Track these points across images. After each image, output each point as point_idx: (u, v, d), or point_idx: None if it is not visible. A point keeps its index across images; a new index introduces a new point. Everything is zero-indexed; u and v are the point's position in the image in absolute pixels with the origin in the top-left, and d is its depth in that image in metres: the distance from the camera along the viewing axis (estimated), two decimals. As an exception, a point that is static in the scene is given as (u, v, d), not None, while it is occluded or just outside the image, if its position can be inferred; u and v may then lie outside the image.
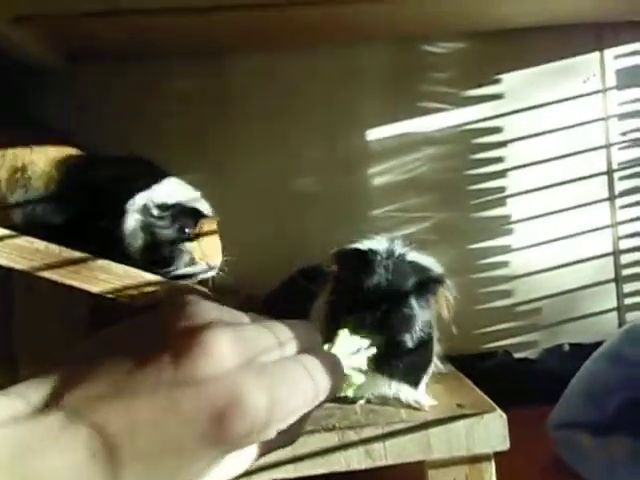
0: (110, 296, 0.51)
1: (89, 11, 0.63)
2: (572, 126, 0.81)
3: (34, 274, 0.50)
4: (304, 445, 0.42)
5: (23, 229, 0.52)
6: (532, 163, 0.82)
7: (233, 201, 0.78)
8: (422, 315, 0.44)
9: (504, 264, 0.81)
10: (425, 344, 0.44)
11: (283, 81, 0.80)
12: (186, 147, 0.78)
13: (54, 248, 0.51)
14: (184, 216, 0.56)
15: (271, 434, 0.21)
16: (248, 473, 0.42)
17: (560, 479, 0.61)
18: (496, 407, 0.44)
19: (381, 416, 0.44)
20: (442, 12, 0.72)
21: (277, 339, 0.23)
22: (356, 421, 0.44)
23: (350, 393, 0.37)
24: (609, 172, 0.82)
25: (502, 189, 0.81)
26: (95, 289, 0.51)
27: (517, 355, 0.80)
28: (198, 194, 0.60)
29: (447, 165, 0.81)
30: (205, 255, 0.57)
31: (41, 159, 0.59)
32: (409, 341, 0.43)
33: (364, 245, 0.49)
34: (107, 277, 0.52)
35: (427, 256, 0.50)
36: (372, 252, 0.46)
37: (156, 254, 0.56)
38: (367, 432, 0.42)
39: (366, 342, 0.33)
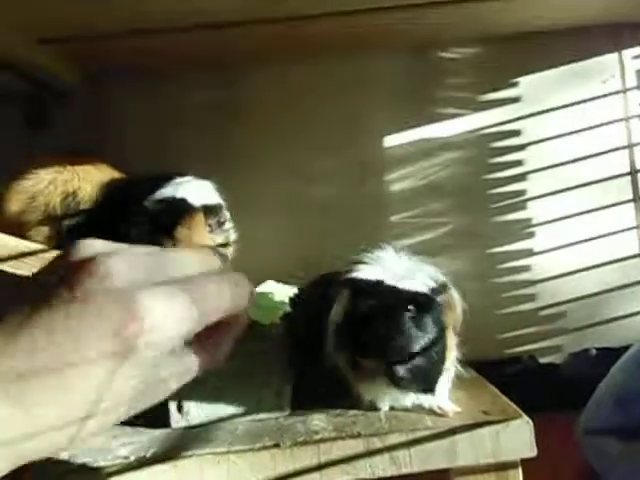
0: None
1: (107, 32, 0.66)
2: (592, 127, 0.80)
3: None
4: (329, 452, 0.42)
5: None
6: (552, 165, 0.81)
7: (250, 211, 0.80)
8: (422, 332, 0.43)
9: (526, 268, 0.80)
10: (434, 353, 0.44)
11: (299, 91, 0.81)
12: (203, 159, 0.80)
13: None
14: (168, 211, 0.53)
15: (173, 342, 0.23)
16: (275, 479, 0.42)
17: (590, 486, 0.60)
18: (522, 413, 0.43)
19: (405, 423, 0.44)
20: (458, 18, 0.72)
21: (172, 261, 0.24)
22: (380, 428, 0.44)
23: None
24: (632, 172, 0.80)
25: (522, 192, 0.81)
26: None
27: (542, 360, 0.79)
28: (207, 186, 0.57)
29: (465, 170, 0.81)
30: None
31: (88, 184, 0.60)
32: (414, 357, 0.42)
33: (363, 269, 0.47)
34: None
35: (430, 265, 0.49)
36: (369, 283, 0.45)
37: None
38: (392, 439, 0.42)
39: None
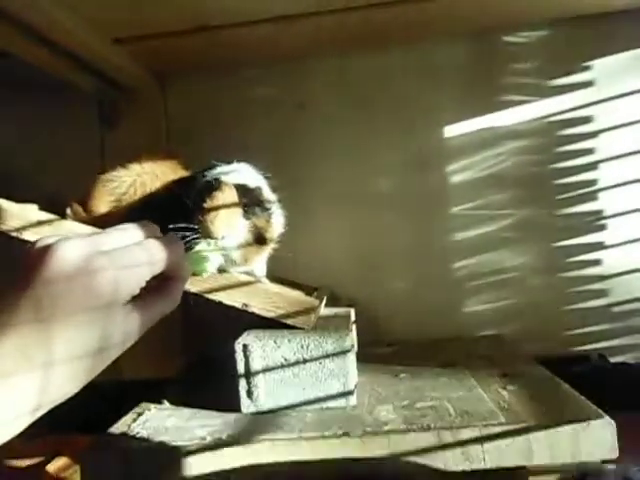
0: (207, 296, 0.54)
1: (178, 30, 0.68)
2: (672, 112, 0.75)
3: None
4: (401, 443, 0.42)
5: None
6: (626, 154, 0.76)
7: (312, 204, 0.80)
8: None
9: (596, 262, 0.76)
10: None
11: (359, 83, 0.80)
12: (267, 153, 0.81)
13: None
14: (205, 188, 0.53)
15: (125, 293, 0.30)
16: (346, 468, 0.43)
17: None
18: (604, 414, 0.41)
19: (477, 418, 0.44)
20: (528, 1, 0.69)
21: (120, 234, 0.32)
22: (452, 422, 0.43)
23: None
24: None
25: (593, 182, 0.77)
26: (194, 289, 0.54)
27: (613, 359, 0.75)
28: (244, 166, 0.57)
29: (531, 159, 0.77)
30: (204, 226, 0.51)
31: (163, 184, 0.62)
32: None
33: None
34: (204, 278, 0.55)
35: None
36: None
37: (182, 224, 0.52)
38: (464, 434, 0.42)
39: None
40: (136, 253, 0.31)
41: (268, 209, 0.56)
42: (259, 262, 0.59)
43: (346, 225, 0.80)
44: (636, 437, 0.59)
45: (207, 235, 0.51)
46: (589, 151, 0.77)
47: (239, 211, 0.53)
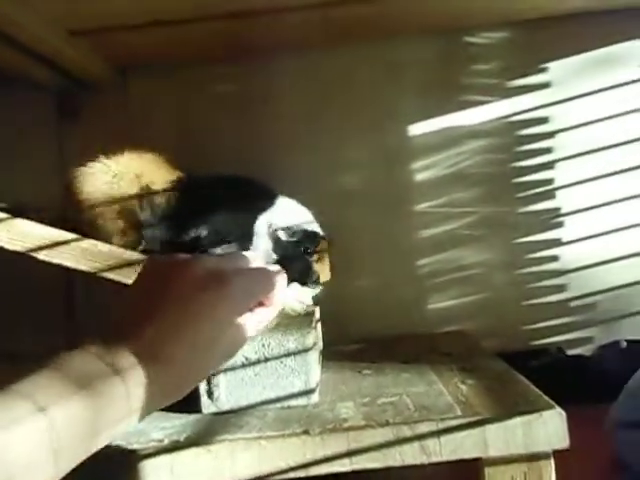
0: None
1: (133, 23, 0.66)
2: (624, 114, 0.78)
3: (97, 275, 0.53)
4: (360, 439, 0.42)
5: (147, 248, 0.58)
6: (583, 153, 0.79)
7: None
8: None
9: (554, 258, 0.79)
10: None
11: (325, 79, 0.80)
12: (235, 148, 0.80)
13: (115, 250, 0.54)
14: (307, 238, 0.61)
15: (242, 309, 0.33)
16: (305, 466, 0.43)
17: (619, 479, 0.59)
18: (555, 404, 0.43)
19: (434, 412, 0.44)
20: (487, 1, 0.70)
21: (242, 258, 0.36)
22: (410, 417, 0.44)
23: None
24: (667, 160, 0.78)
25: (551, 181, 0.79)
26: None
27: (571, 352, 0.77)
28: (310, 215, 0.64)
29: (493, 158, 0.79)
30: (321, 274, 0.62)
31: (159, 180, 0.62)
32: None
33: None
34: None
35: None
36: None
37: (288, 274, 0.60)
38: (422, 428, 0.42)
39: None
40: (256, 276, 0.35)
41: None
42: None
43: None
44: (591, 428, 0.62)
45: (313, 282, 0.61)
46: (547, 150, 0.79)
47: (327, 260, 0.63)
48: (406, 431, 0.42)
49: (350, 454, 0.42)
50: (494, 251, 0.79)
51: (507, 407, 0.43)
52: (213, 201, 0.61)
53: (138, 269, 0.53)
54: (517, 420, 0.41)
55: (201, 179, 0.64)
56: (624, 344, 0.76)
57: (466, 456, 0.42)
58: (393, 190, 0.80)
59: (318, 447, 0.43)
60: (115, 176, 0.61)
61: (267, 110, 0.80)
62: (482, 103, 0.79)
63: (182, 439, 0.43)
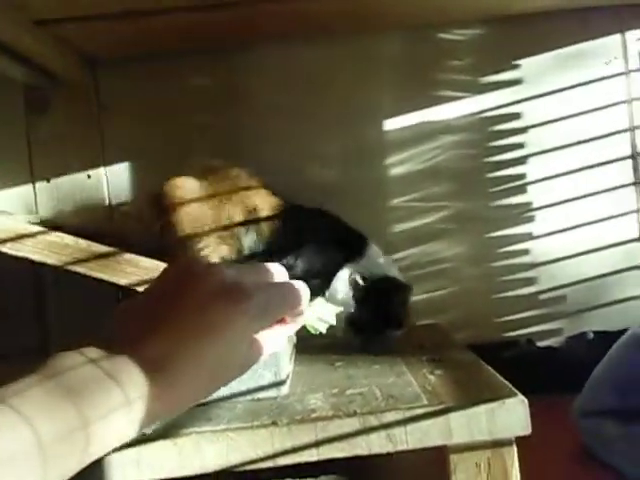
0: (137, 288, 0.53)
1: (105, 13, 0.65)
2: (594, 110, 0.80)
3: (64, 268, 0.52)
4: (327, 429, 0.42)
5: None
6: (553, 149, 0.80)
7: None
8: None
9: (525, 252, 0.80)
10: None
11: (299, 73, 0.80)
12: (204, 142, 0.79)
13: (82, 243, 0.53)
14: (386, 286, 0.61)
15: (264, 323, 0.31)
16: (273, 456, 0.43)
17: (585, 466, 0.61)
18: (517, 392, 0.44)
19: (401, 402, 0.45)
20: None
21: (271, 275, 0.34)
22: (377, 407, 0.44)
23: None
24: (634, 156, 0.80)
25: (523, 176, 0.80)
26: (123, 281, 0.53)
27: (540, 343, 0.79)
28: (390, 261, 0.65)
29: (466, 153, 0.80)
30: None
31: (264, 205, 0.61)
32: None
33: None
34: (134, 270, 0.54)
35: None
36: None
37: (365, 322, 0.61)
38: (388, 417, 0.43)
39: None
40: (278, 293, 0.33)
41: None
42: None
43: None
44: (559, 418, 0.63)
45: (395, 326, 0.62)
46: (518, 146, 0.80)
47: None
48: (373, 421, 0.43)
49: (318, 444, 0.43)
50: (467, 245, 0.81)
51: (472, 396, 0.44)
52: (308, 234, 0.61)
53: (109, 262, 0.53)
54: (481, 408, 0.42)
55: (300, 209, 0.64)
56: (591, 335, 0.78)
57: (431, 444, 0.43)
58: (368, 184, 0.80)
59: (286, 438, 0.43)
60: (220, 200, 0.60)
61: (241, 104, 0.80)
62: (455, 99, 0.80)
63: (149, 432, 0.43)
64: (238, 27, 0.73)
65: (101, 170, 0.79)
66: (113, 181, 0.79)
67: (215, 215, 0.61)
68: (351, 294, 0.61)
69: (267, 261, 0.33)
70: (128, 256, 0.53)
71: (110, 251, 0.52)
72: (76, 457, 0.24)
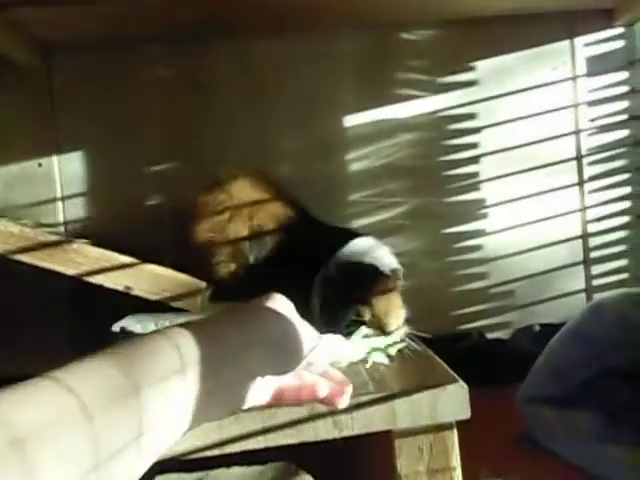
0: (86, 278, 0.52)
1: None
2: (543, 113, 0.83)
3: (9, 257, 0.51)
4: (274, 417, 0.43)
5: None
6: (504, 149, 0.84)
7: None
8: None
9: (478, 247, 0.83)
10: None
11: (260, 67, 0.80)
12: (164, 134, 0.78)
13: (28, 231, 0.51)
14: (359, 276, 0.53)
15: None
16: (220, 444, 0.43)
17: (526, 451, 0.64)
18: (458, 378, 0.45)
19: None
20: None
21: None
22: (325, 394, 0.45)
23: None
24: (578, 157, 0.84)
25: (475, 174, 0.83)
26: (71, 271, 0.52)
27: (490, 336, 0.82)
28: (385, 250, 0.58)
29: (422, 151, 0.82)
30: (378, 318, 0.52)
31: (270, 218, 0.61)
32: None
33: None
34: (83, 260, 0.53)
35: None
36: None
37: (329, 315, 0.53)
38: (335, 404, 0.44)
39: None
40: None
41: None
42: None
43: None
44: (505, 405, 0.66)
45: (379, 329, 0.52)
46: (472, 145, 0.83)
47: (400, 300, 0.54)
48: (320, 407, 0.44)
49: (265, 431, 0.43)
50: (422, 240, 0.83)
51: (417, 383, 0.46)
52: (300, 248, 0.59)
53: (57, 251, 0.52)
54: (423, 394, 0.44)
55: (306, 223, 0.62)
56: (537, 328, 0.82)
57: (376, 429, 0.44)
58: (327, 180, 0.81)
59: (233, 426, 0.43)
60: (230, 216, 0.60)
61: (201, 97, 0.79)
62: (413, 97, 0.82)
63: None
64: (201, 18, 0.73)
65: (53, 158, 0.77)
66: (65, 170, 0.77)
67: (228, 227, 0.61)
68: (320, 285, 0.57)
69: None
70: (77, 246, 0.52)
71: (57, 240, 0.51)
72: (128, 425, 0.24)
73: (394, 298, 0.54)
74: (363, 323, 0.52)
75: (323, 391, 0.34)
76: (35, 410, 0.21)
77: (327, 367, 0.38)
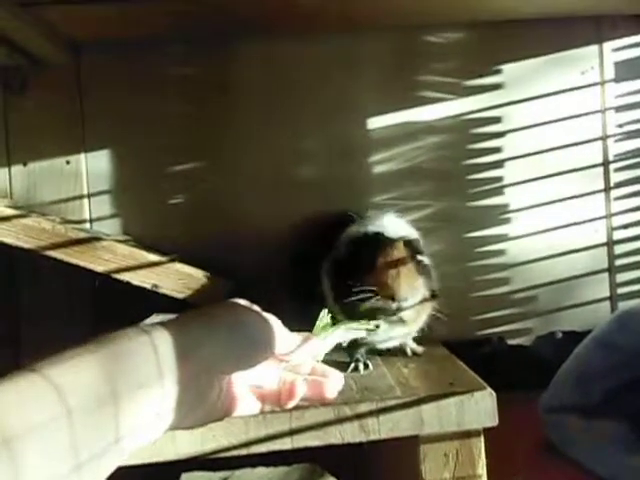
0: (114, 276, 0.53)
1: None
2: (570, 117, 0.82)
3: (40, 253, 0.52)
4: (301, 418, 0.43)
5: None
6: (529, 154, 0.83)
7: (233, 188, 0.80)
8: None
9: (501, 252, 0.82)
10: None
11: (284, 68, 0.81)
12: (186, 134, 0.79)
13: (60, 228, 0.52)
14: (365, 244, 0.51)
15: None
16: (247, 444, 0.43)
17: (549, 460, 0.63)
18: (486, 385, 0.45)
19: (375, 393, 0.46)
20: (444, 1, 0.72)
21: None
22: (351, 397, 0.45)
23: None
24: (605, 164, 0.83)
25: (500, 179, 0.82)
26: (99, 269, 0.52)
27: (511, 342, 0.81)
28: (400, 221, 0.56)
29: (446, 154, 0.82)
30: (387, 285, 0.50)
31: None
32: None
33: None
34: (111, 257, 0.53)
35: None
36: None
37: (339, 286, 0.52)
38: (362, 407, 0.44)
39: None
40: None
41: (426, 261, 0.55)
42: (424, 320, 0.55)
43: (268, 211, 0.80)
44: (526, 413, 0.65)
45: (389, 297, 0.49)
46: (497, 149, 0.82)
47: (414, 269, 0.51)
48: (346, 410, 0.44)
49: (292, 433, 0.43)
50: (445, 244, 0.82)
51: (443, 388, 0.46)
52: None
53: (87, 248, 0.53)
54: (451, 400, 0.44)
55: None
56: (559, 335, 0.80)
57: (403, 434, 0.44)
58: (350, 182, 0.81)
59: (261, 426, 0.43)
60: None
61: (224, 97, 0.80)
62: (438, 100, 0.82)
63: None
64: (225, 20, 0.73)
65: (81, 156, 0.78)
66: (92, 168, 0.78)
67: None
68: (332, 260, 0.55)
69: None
70: (106, 243, 0.53)
71: (88, 237, 0.52)
72: (107, 430, 0.25)
73: (406, 266, 0.51)
74: (375, 294, 0.50)
75: (301, 390, 0.34)
76: (24, 410, 0.22)
77: (313, 363, 0.37)
